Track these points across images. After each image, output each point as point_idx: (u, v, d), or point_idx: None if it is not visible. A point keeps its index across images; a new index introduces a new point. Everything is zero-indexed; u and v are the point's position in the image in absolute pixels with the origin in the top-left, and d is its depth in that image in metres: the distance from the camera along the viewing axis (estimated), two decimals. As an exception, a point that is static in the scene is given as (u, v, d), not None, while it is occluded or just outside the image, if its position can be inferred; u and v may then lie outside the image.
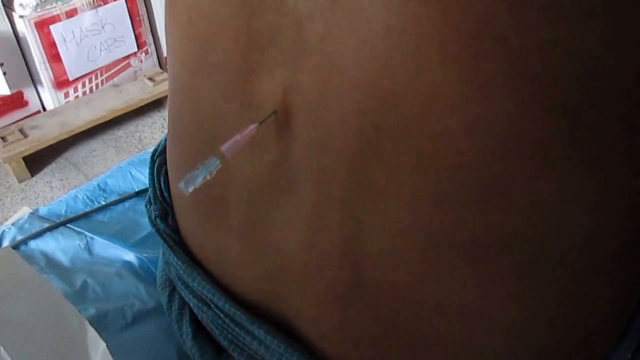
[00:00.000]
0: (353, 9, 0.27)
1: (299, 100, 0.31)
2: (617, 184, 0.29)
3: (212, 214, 0.42)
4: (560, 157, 0.27)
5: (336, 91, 0.29)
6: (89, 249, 0.65)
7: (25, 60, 1.52)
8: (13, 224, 0.67)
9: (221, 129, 0.37)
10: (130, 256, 0.63)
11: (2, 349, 0.38)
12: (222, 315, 0.43)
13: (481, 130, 0.26)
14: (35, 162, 1.51)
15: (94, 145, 1.61)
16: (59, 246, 0.65)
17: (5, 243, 0.65)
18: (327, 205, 0.33)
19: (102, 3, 1.55)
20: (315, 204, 0.33)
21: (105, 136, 1.64)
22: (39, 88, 1.58)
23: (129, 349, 0.52)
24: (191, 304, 0.47)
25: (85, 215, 0.69)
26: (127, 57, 1.69)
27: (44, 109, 1.61)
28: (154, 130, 1.66)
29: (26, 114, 1.57)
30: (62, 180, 1.49)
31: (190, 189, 0.32)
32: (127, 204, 0.72)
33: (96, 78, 1.65)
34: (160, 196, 0.54)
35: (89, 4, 1.53)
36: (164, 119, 1.69)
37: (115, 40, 1.63)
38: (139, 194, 0.73)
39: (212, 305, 0.44)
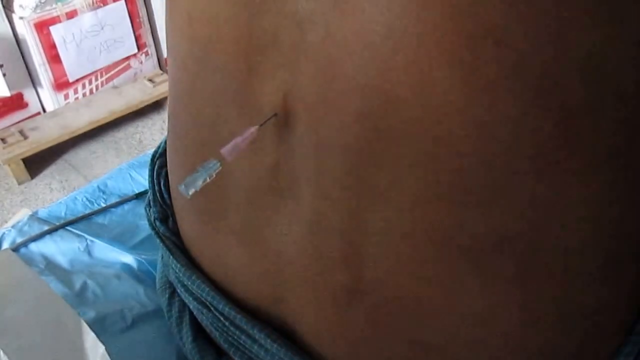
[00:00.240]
0: (354, 11, 0.26)
1: (299, 103, 0.31)
2: (618, 186, 0.28)
3: (212, 216, 0.42)
4: (560, 160, 0.27)
5: (337, 94, 0.29)
6: (88, 251, 0.65)
7: (25, 61, 1.52)
8: (13, 227, 0.67)
9: (221, 132, 0.37)
10: (129, 258, 0.63)
11: (1, 352, 0.38)
12: (222, 318, 0.43)
13: (482, 133, 0.26)
14: (35, 163, 1.51)
15: (94, 146, 1.61)
16: (58, 249, 0.65)
17: (5, 245, 0.65)
18: (327, 208, 0.33)
19: (102, 4, 1.55)
20: (316, 206, 0.33)
21: (105, 138, 1.63)
22: (39, 89, 1.57)
23: (128, 352, 0.52)
24: (191, 306, 0.47)
25: (85, 218, 0.69)
26: (127, 58, 1.69)
27: (44, 111, 1.61)
28: (153, 132, 1.66)
29: (26, 116, 1.57)
30: (61, 182, 1.49)
31: (191, 192, 0.32)
32: (126, 206, 0.72)
33: (96, 79, 1.65)
34: (160, 198, 0.54)
35: (89, 5, 1.53)
36: (164, 121, 1.69)
37: (115, 41, 1.63)
38: (139, 196, 0.73)
39: (212, 308, 0.44)
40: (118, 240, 0.66)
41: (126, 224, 0.69)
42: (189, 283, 0.45)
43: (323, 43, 0.28)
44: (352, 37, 0.27)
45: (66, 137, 1.52)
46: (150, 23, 1.73)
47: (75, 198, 0.72)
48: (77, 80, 1.60)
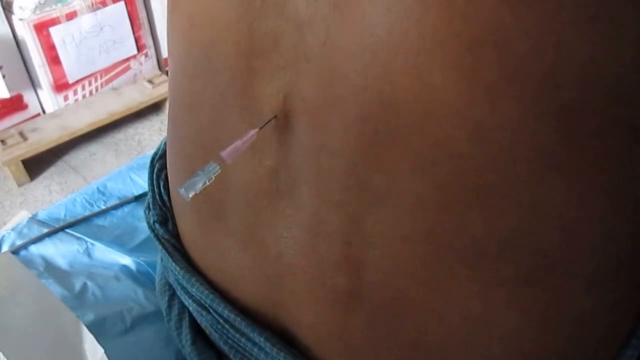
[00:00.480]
0: (354, 14, 0.26)
1: (299, 105, 0.31)
2: (619, 190, 0.28)
3: (212, 218, 0.41)
4: (562, 163, 0.27)
5: (337, 96, 0.29)
6: (88, 253, 0.65)
7: (24, 63, 1.52)
8: (12, 229, 0.67)
9: (221, 134, 0.37)
10: (128, 260, 0.63)
11: (0, 354, 0.38)
12: (221, 321, 0.43)
13: (483, 135, 0.26)
14: (35, 165, 1.51)
15: (94, 148, 1.61)
16: (57, 251, 0.65)
17: (5, 248, 0.65)
18: (327, 211, 0.33)
19: (101, 5, 1.55)
20: (315, 209, 0.33)
21: (105, 139, 1.63)
22: (39, 91, 1.57)
23: (128, 355, 0.52)
24: (190, 309, 0.47)
25: (84, 220, 0.69)
26: (127, 59, 1.69)
27: (44, 112, 1.61)
28: (153, 133, 1.66)
29: (26, 117, 1.57)
30: (61, 183, 1.48)
31: (191, 195, 0.32)
32: (126, 208, 0.72)
33: (96, 81, 1.65)
34: (160, 201, 0.54)
35: (89, 6, 1.53)
36: (163, 122, 1.69)
37: (114, 42, 1.63)
38: (138, 198, 0.73)
39: (212, 311, 0.44)
40: (117, 242, 0.66)
41: (125, 226, 0.69)
42: (189, 285, 0.45)
43: (323, 46, 0.28)
44: (352, 40, 0.27)
45: (66, 139, 1.52)
46: (149, 24, 1.73)
47: (75, 200, 0.72)
48: (77, 82, 1.60)
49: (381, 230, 0.31)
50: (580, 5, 0.23)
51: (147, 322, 0.56)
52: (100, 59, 1.62)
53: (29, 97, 1.56)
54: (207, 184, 0.33)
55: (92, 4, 1.53)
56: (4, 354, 0.38)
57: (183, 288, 0.46)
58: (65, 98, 1.59)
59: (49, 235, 0.67)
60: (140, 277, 0.62)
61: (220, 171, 0.33)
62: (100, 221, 0.70)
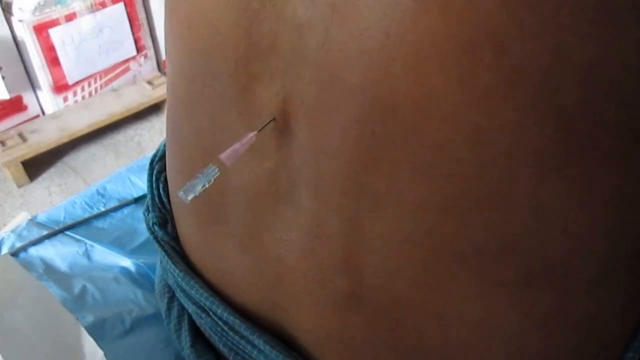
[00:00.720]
0: (352, 17, 0.26)
1: (298, 108, 0.31)
2: (620, 192, 0.28)
3: (212, 221, 0.41)
4: (562, 166, 0.27)
5: (335, 99, 0.29)
6: (87, 255, 0.65)
7: (24, 64, 1.52)
8: (12, 231, 0.67)
9: (220, 137, 0.37)
10: (128, 262, 0.63)
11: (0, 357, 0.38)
12: (220, 323, 0.43)
13: (481, 138, 0.26)
14: (34, 166, 1.51)
15: (93, 149, 1.61)
16: (57, 253, 0.65)
17: (4, 250, 0.65)
18: (326, 213, 0.33)
19: (101, 7, 1.55)
20: (315, 212, 0.33)
21: (105, 140, 1.63)
22: (38, 92, 1.57)
23: (127, 357, 0.52)
24: (190, 311, 0.47)
25: (84, 222, 0.69)
26: (126, 61, 1.69)
27: (43, 113, 1.60)
28: (152, 134, 1.66)
29: (25, 118, 1.57)
30: (60, 185, 1.48)
31: (190, 198, 0.32)
32: (125, 210, 0.72)
33: (95, 82, 1.64)
34: (159, 203, 0.54)
35: (88, 7, 1.53)
36: (162, 123, 1.69)
37: (114, 44, 1.63)
38: (138, 200, 0.73)
39: (211, 313, 0.44)
40: (117, 244, 0.66)
41: (125, 228, 0.69)
42: (188, 288, 0.45)
43: (322, 49, 0.28)
44: (350, 43, 0.27)
45: (65, 140, 1.52)
46: (149, 25, 1.73)
47: (74, 202, 0.72)
48: (77, 83, 1.60)
49: (381, 233, 0.31)
50: (579, 8, 0.23)
51: (146, 324, 0.56)
52: (100, 60, 1.62)
53: (28, 98, 1.56)
54: (207, 186, 0.33)
55: (92, 6, 1.53)
56: (3, 356, 0.38)
57: (182, 290, 0.46)
58: (65, 99, 1.59)
59: (48, 237, 0.67)
60: (139, 279, 0.62)
61: (219, 174, 0.33)
62: (99, 223, 0.70)
